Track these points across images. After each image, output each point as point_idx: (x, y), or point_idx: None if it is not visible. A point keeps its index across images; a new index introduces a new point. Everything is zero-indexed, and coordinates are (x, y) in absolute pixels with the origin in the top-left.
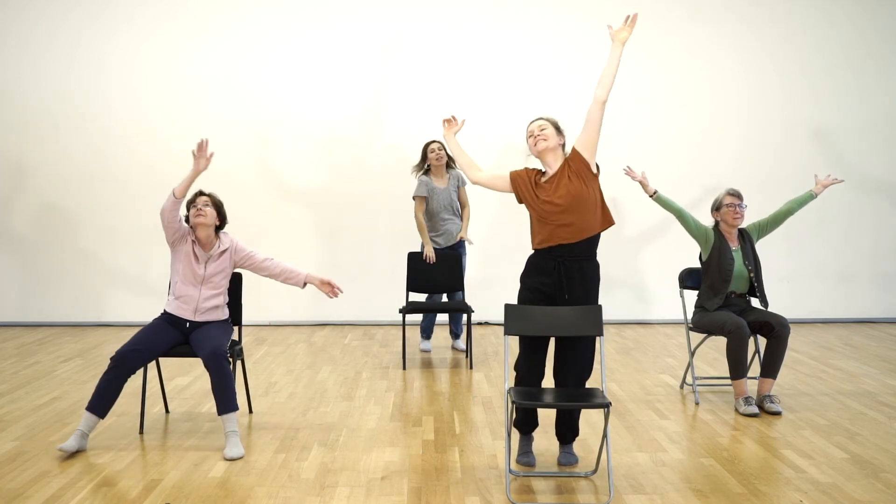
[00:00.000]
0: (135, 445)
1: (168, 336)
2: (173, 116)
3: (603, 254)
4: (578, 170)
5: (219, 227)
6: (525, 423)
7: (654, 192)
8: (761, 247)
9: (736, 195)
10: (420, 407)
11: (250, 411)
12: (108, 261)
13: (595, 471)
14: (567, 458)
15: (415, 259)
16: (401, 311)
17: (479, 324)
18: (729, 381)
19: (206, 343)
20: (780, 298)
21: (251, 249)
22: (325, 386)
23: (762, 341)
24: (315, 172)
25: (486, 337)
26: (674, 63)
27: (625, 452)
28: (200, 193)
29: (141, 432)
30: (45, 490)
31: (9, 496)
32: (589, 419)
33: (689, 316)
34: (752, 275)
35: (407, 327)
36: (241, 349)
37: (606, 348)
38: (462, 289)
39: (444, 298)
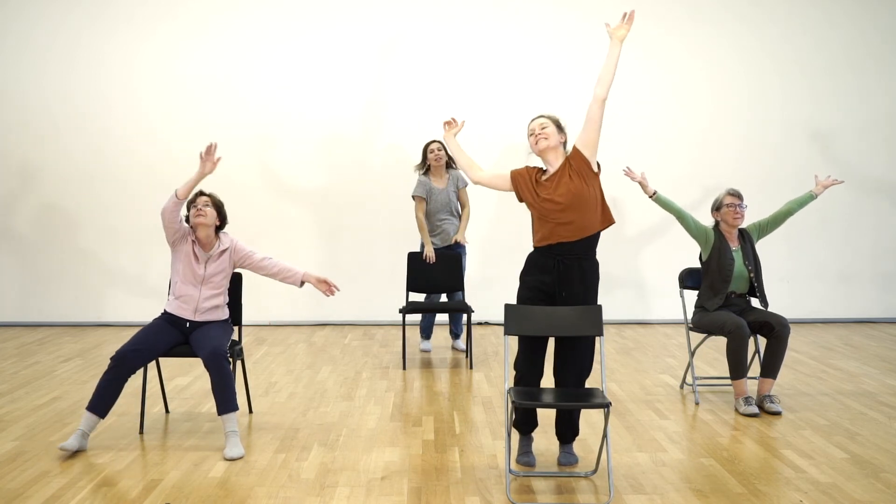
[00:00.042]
0: (135, 445)
1: (168, 336)
2: (173, 116)
3: (603, 254)
4: (579, 168)
5: (219, 228)
6: (525, 423)
7: (654, 193)
8: (761, 247)
9: (736, 195)
10: (420, 407)
11: (250, 411)
12: (108, 261)
13: (595, 471)
14: (567, 458)
15: (415, 259)
16: (401, 311)
17: (479, 324)
18: (729, 381)
19: (206, 343)
20: (780, 298)
21: (250, 249)
22: (325, 386)
23: (762, 341)
24: (315, 172)
25: (486, 337)
26: (674, 63)
27: (625, 452)
28: (201, 193)
29: (141, 432)
30: (45, 490)
31: (9, 496)
32: (589, 419)
33: (689, 316)
34: (752, 275)
35: (407, 327)
36: (241, 349)
37: (606, 348)
38: (462, 289)
39: (444, 298)
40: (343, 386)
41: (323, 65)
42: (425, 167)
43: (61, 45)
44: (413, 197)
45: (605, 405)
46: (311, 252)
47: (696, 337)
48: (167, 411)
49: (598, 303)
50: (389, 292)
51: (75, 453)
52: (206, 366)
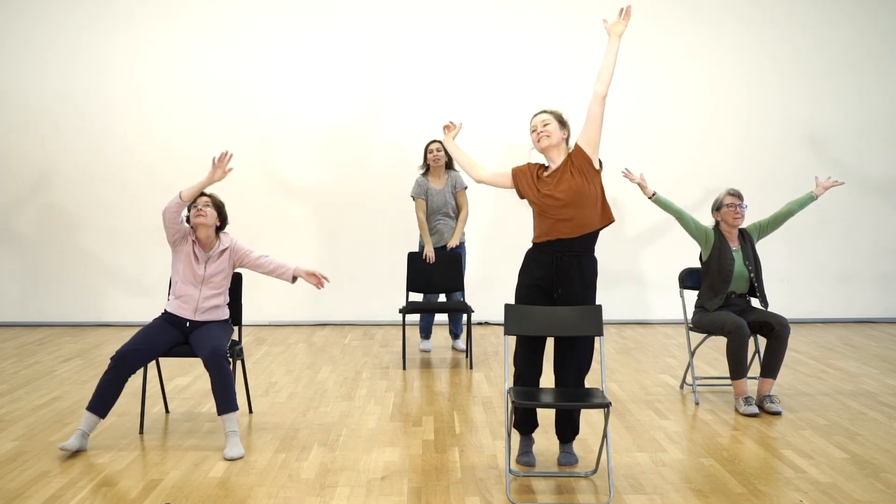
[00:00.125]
0: (135, 445)
1: (168, 336)
2: (173, 116)
3: (603, 253)
4: (581, 166)
5: (220, 228)
6: (525, 423)
7: (653, 194)
8: (761, 247)
9: (736, 195)
10: (420, 407)
11: (250, 411)
12: (108, 261)
13: (595, 471)
14: (567, 457)
15: (415, 259)
16: (401, 311)
17: (479, 324)
18: (729, 381)
19: (206, 343)
20: (780, 298)
21: (249, 248)
22: (325, 386)
23: (762, 341)
24: (315, 172)
25: (486, 337)
26: (674, 63)
27: (625, 452)
28: (201, 194)
29: (141, 432)
30: (45, 490)
31: (9, 496)
32: (589, 419)
33: (689, 316)
34: (752, 275)
35: (407, 327)
36: (241, 349)
37: (606, 348)
38: (462, 289)
39: (442, 298)
40: (343, 386)
41: (323, 64)
42: (425, 167)
43: (61, 45)
44: (412, 198)
45: (605, 405)
46: (311, 252)
47: (696, 337)
48: (167, 411)
49: (598, 302)
50: (389, 292)
51: (75, 453)
52: (206, 366)
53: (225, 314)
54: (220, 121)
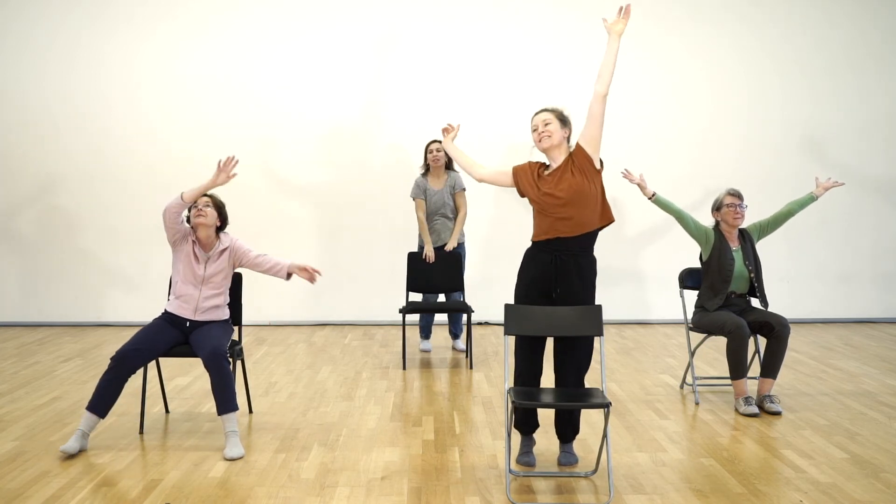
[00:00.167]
0: (135, 445)
1: (168, 336)
2: (173, 116)
3: (603, 253)
4: (582, 165)
5: (220, 228)
6: (525, 423)
7: (653, 195)
8: (761, 247)
9: (736, 195)
10: (420, 407)
11: (250, 411)
12: (108, 261)
13: (595, 471)
14: (567, 457)
15: (415, 259)
16: (401, 311)
17: (479, 324)
18: (729, 381)
19: (206, 343)
20: (780, 298)
21: (248, 247)
22: (325, 386)
23: (762, 341)
24: (315, 172)
25: (486, 337)
26: (674, 63)
27: (625, 452)
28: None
29: (141, 432)
30: (45, 490)
31: (9, 496)
32: (589, 419)
33: (689, 316)
34: (752, 275)
35: (407, 327)
36: (241, 349)
37: (606, 348)
38: (462, 289)
39: (442, 298)
40: (343, 386)
41: (323, 64)
42: (425, 167)
43: (61, 45)
44: (411, 198)
45: (605, 405)
46: (311, 252)
47: (696, 337)
48: (167, 411)
49: (598, 302)
50: (389, 292)
51: (76, 453)
52: (205, 366)
53: (225, 314)
54: (220, 121)
